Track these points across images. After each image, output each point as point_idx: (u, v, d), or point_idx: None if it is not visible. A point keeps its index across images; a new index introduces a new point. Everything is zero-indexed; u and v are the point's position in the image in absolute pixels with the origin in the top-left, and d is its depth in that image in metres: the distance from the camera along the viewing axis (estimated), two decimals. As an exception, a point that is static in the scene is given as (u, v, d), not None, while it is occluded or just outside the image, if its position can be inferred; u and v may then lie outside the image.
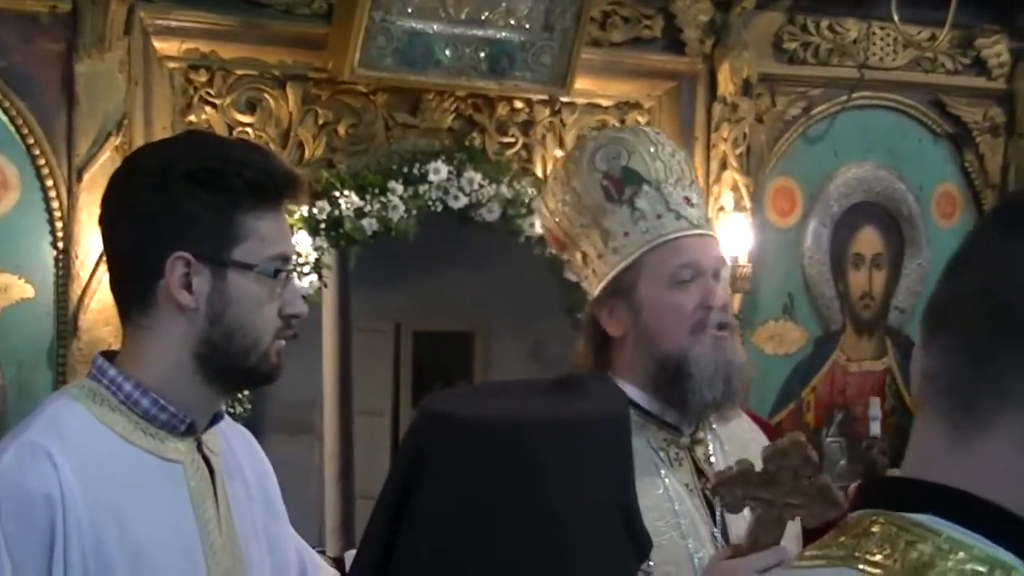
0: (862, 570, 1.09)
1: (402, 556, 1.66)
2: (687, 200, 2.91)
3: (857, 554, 1.11)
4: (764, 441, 3.00)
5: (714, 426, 2.94)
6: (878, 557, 1.09)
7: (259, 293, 2.28)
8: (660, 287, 2.82)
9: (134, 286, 2.30)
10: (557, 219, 3.00)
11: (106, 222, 2.34)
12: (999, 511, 1.09)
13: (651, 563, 2.46)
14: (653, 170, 2.91)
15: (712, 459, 2.90)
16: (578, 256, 2.98)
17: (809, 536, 2.82)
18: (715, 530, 2.81)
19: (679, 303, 2.81)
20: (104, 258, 2.41)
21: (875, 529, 1.12)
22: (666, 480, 2.81)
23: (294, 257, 2.39)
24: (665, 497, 2.78)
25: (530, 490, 1.62)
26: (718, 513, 2.82)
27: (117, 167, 2.44)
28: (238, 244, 2.25)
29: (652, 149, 2.94)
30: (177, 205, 2.23)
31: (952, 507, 1.10)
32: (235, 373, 2.32)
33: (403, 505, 1.66)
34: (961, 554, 1.08)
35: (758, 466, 2.57)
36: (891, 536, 1.10)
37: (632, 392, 2.81)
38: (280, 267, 2.30)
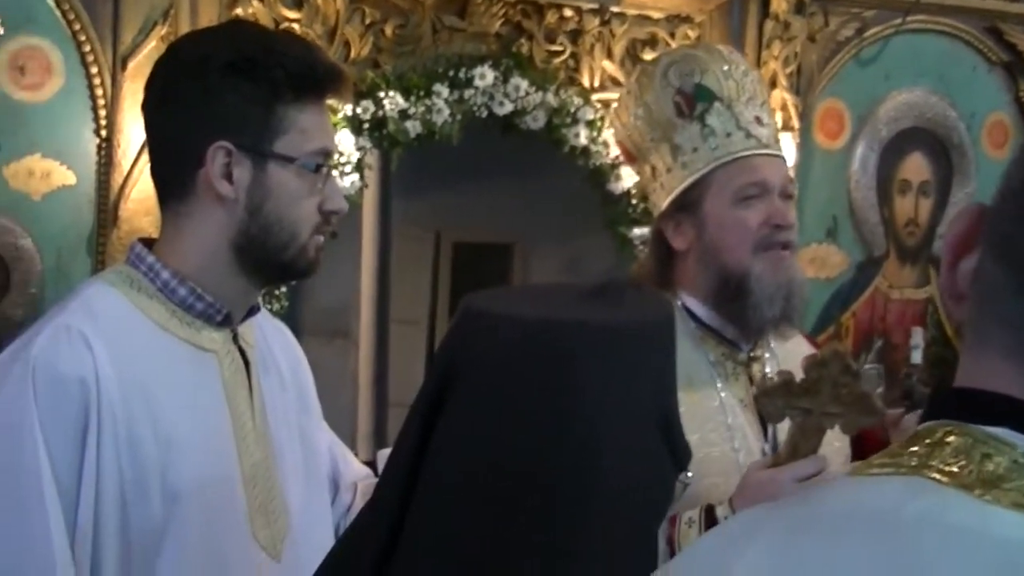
0: (935, 479, 1.07)
1: (436, 451, 1.65)
2: (758, 119, 2.95)
3: (931, 463, 1.08)
4: None
5: (772, 344, 2.98)
6: (953, 468, 1.07)
7: (299, 187, 2.28)
8: (726, 203, 2.87)
9: (174, 173, 2.30)
10: (629, 132, 3.06)
11: (148, 109, 2.35)
12: None
13: (689, 474, 2.44)
14: (725, 88, 2.95)
15: (768, 376, 2.92)
16: (647, 169, 3.03)
17: (858, 451, 2.86)
18: (766, 445, 2.87)
19: (744, 219, 2.85)
20: (145, 146, 2.41)
21: (950, 439, 1.09)
22: (722, 394, 2.87)
23: (336, 154, 2.38)
24: (720, 410, 2.85)
25: (563, 390, 1.60)
26: (770, 429, 2.88)
27: (161, 54, 2.43)
28: (279, 136, 2.26)
29: (725, 68, 2.99)
30: (218, 94, 2.23)
31: None
32: (272, 266, 2.33)
33: (440, 401, 1.65)
34: None
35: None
36: (966, 447, 1.08)
37: (694, 306, 2.93)
38: (321, 162, 2.30)
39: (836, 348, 2.62)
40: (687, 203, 2.91)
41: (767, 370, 2.94)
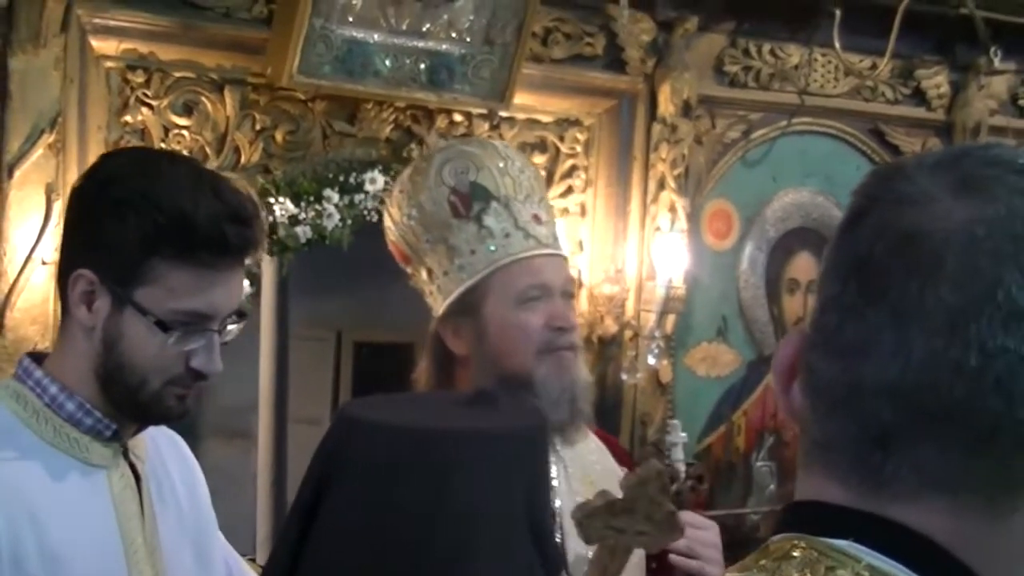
0: None
1: (309, 558, 1.66)
2: (536, 218, 2.90)
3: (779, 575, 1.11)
4: (609, 460, 3.00)
5: (559, 449, 2.89)
6: None
7: (149, 340, 2.24)
8: (507, 307, 2.81)
9: (60, 288, 2.30)
10: (402, 232, 2.96)
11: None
12: (922, 539, 1.10)
13: None
14: (502, 186, 2.89)
15: (555, 482, 2.86)
16: (423, 271, 2.94)
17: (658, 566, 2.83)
18: None
19: (526, 323, 2.80)
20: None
21: (796, 553, 1.12)
22: None
23: (221, 314, 2.28)
24: None
25: (435, 496, 1.63)
26: (558, 539, 2.79)
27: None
28: (143, 286, 2.22)
29: (501, 164, 2.92)
30: (100, 225, 2.23)
31: (872, 534, 1.10)
32: (128, 405, 2.30)
33: (315, 508, 1.67)
34: None
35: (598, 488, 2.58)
36: (811, 560, 1.11)
37: None
38: (184, 321, 2.23)
39: (655, 466, 2.58)
40: (466, 306, 2.85)
41: (552, 474, 2.84)
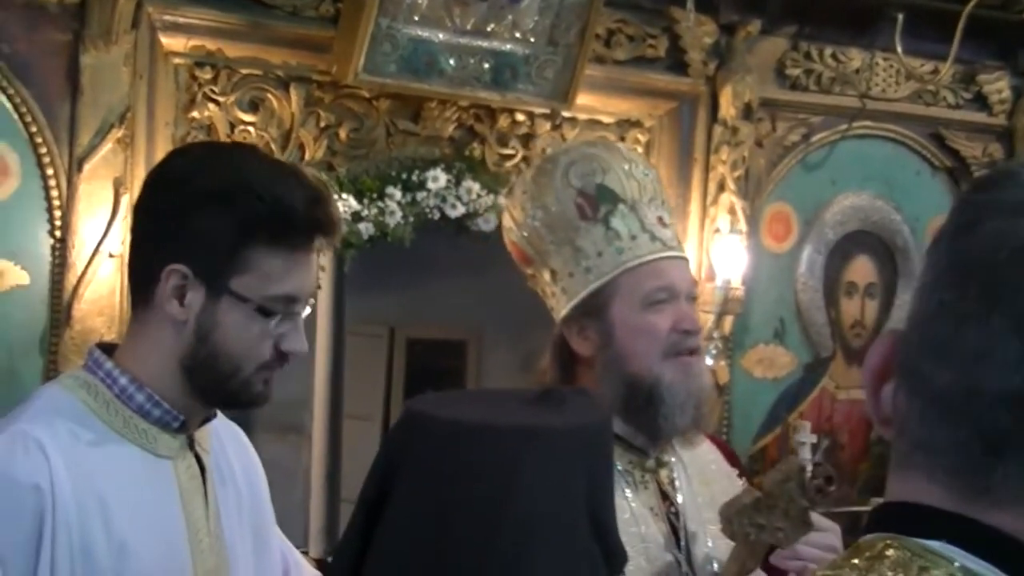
0: None
1: (375, 555, 1.68)
2: (660, 220, 2.86)
3: (871, 575, 1.12)
4: (723, 463, 2.99)
5: (678, 449, 2.89)
6: None
7: (248, 327, 2.27)
8: (634, 309, 2.77)
9: (138, 282, 2.32)
10: (526, 233, 2.91)
11: (133, 214, 2.39)
12: (1013, 542, 1.10)
13: None
14: (628, 189, 2.86)
15: (676, 483, 2.86)
16: (546, 273, 2.89)
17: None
18: (679, 555, 2.77)
19: (653, 325, 2.76)
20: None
21: (889, 553, 1.13)
22: (632, 504, 2.76)
23: (307, 297, 2.33)
24: (631, 521, 2.73)
25: (498, 493, 1.64)
26: (682, 538, 2.79)
27: (157, 164, 2.47)
28: (239, 274, 2.25)
29: (626, 167, 2.89)
30: (190, 220, 2.24)
31: (966, 536, 1.11)
32: (216, 393, 2.33)
33: (380, 504, 1.69)
34: None
35: (711, 494, 2.59)
36: (905, 561, 1.11)
37: None
38: (279, 308, 2.27)
39: (797, 463, 2.61)
40: (592, 308, 2.79)
41: (674, 475, 2.86)
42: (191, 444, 2.35)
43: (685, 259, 2.93)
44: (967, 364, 1.11)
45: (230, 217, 2.23)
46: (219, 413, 2.46)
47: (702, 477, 2.87)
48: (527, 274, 3.01)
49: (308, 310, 2.35)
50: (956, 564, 1.10)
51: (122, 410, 2.26)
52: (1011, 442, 1.10)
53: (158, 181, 2.36)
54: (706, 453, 2.96)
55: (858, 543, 1.19)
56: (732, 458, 3.08)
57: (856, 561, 1.15)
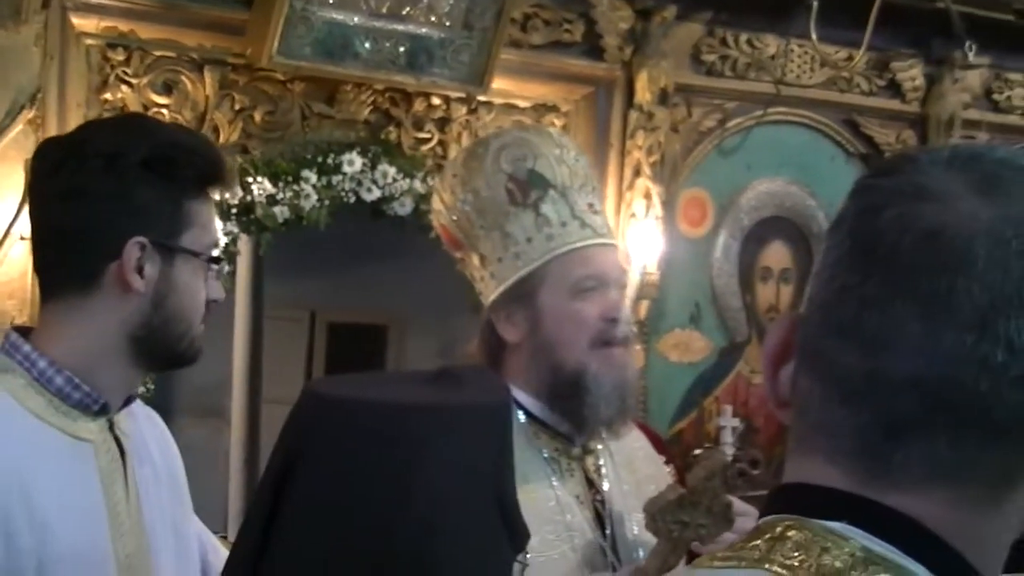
0: (776, 572, 1.12)
1: (279, 536, 1.68)
2: (591, 207, 2.86)
3: (772, 556, 1.13)
4: (650, 450, 3.00)
5: (604, 436, 2.87)
6: (793, 562, 1.12)
7: (197, 282, 2.33)
8: (563, 296, 2.76)
9: (79, 266, 2.30)
10: (455, 217, 2.90)
11: (48, 199, 2.34)
12: (912, 523, 1.12)
13: (528, 555, 2.37)
14: (559, 174, 2.84)
15: (603, 470, 2.86)
16: (475, 257, 2.89)
17: None
18: (604, 543, 2.78)
19: (581, 313, 2.75)
20: (33, 233, 2.39)
21: (790, 534, 1.15)
22: (558, 492, 2.76)
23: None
24: (557, 509, 2.74)
25: (402, 471, 1.65)
26: (608, 527, 2.80)
27: (53, 143, 2.45)
28: (186, 231, 2.30)
29: (557, 152, 2.87)
30: (133, 191, 2.26)
31: (866, 517, 1.13)
32: (165, 356, 2.36)
33: (283, 485, 1.69)
34: (873, 564, 1.11)
35: (636, 480, 2.60)
36: (806, 542, 1.13)
37: (525, 400, 2.80)
38: (215, 254, 2.37)
39: (720, 459, 2.63)
40: (520, 294, 2.79)
41: (600, 463, 2.86)
42: (111, 427, 2.35)
43: (615, 246, 2.92)
44: (869, 347, 1.13)
45: (166, 179, 2.28)
46: (137, 399, 2.47)
47: (628, 464, 2.88)
48: (456, 258, 2.99)
49: None
50: (857, 544, 1.12)
51: (42, 393, 2.26)
52: (912, 426, 1.12)
53: (81, 163, 2.34)
54: (633, 440, 2.96)
55: (758, 525, 1.20)
56: (659, 444, 3.08)
57: (757, 542, 1.17)
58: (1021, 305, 1.08)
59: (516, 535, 1.80)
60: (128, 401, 2.40)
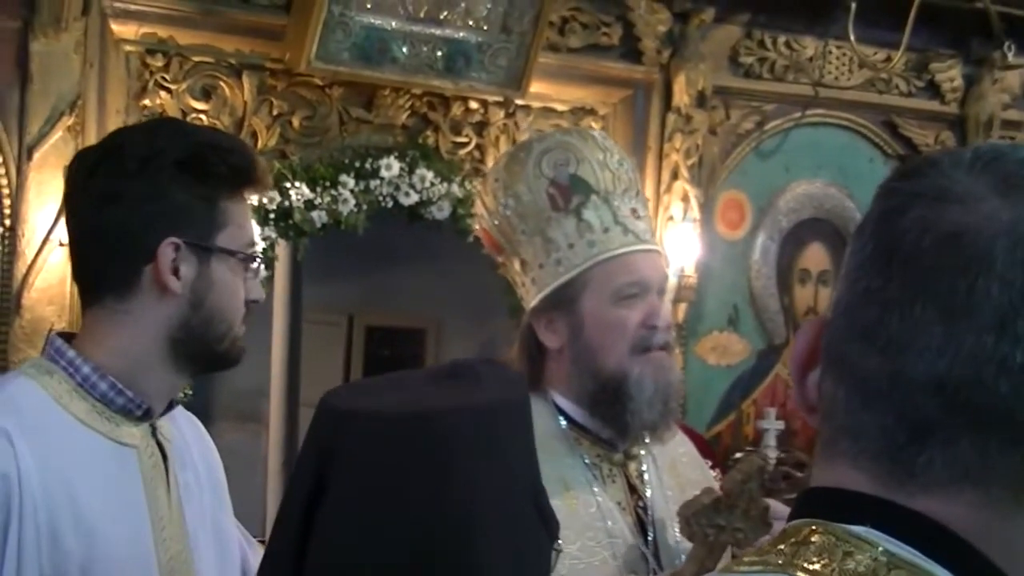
0: None
1: (316, 556, 1.67)
2: (634, 212, 2.82)
3: (796, 561, 1.13)
4: (695, 454, 2.97)
5: (647, 441, 2.84)
6: (816, 566, 1.11)
7: (234, 279, 2.32)
8: (604, 303, 2.72)
9: (117, 269, 2.30)
10: (496, 222, 2.87)
11: (85, 204, 2.33)
12: (936, 526, 1.11)
13: (560, 542, 2.40)
14: (602, 180, 2.81)
15: (646, 476, 2.83)
16: (516, 263, 2.86)
17: None
18: (646, 550, 2.75)
19: (623, 320, 2.72)
20: (71, 239, 2.40)
21: (814, 539, 1.14)
22: (599, 498, 2.73)
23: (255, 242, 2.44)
24: (598, 516, 2.71)
25: (440, 480, 1.63)
26: (650, 533, 2.77)
27: (90, 149, 2.44)
28: (221, 230, 2.29)
29: (600, 157, 2.84)
30: (168, 192, 2.26)
31: (890, 521, 1.12)
32: (207, 357, 2.35)
33: (313, 505, 1.67)
34: (896, 568, 1.10)
35: (681, 485, 2.59)
36: (829, 546, 1.12)
37: (567, 406, 2.78)
38: (254, 253, 2.36)
39: (756, 462, 2.61)
40: (561, 300, 2.75)
41: (643, 469, 2.83)
42: (154, 432, 2.36)
43: (658, 252, 2.87)
44: (892, 350, 1.12)
45: (202, 179, 2.28)
46: (179, 405, 2.48)
47: (672, 469, 2.85)
48: (498, 262, 2.96)
49: None
50: (880, 549, 1.11)
51: (86, 398, 2.26)
52: (935, 428, 1.11)
53: (117, 167, 2.35)
54: (677, 445, 2.94)
55: (785, 529, 1.19)
56: (705, 448, 3.06)
57: (782, 547, 1.16)
58: None
59: (550, 523, 1.79)
60: (170, 406, 2.41)
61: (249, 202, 2.40)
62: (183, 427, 2.50)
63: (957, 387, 1.09)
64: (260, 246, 4.95)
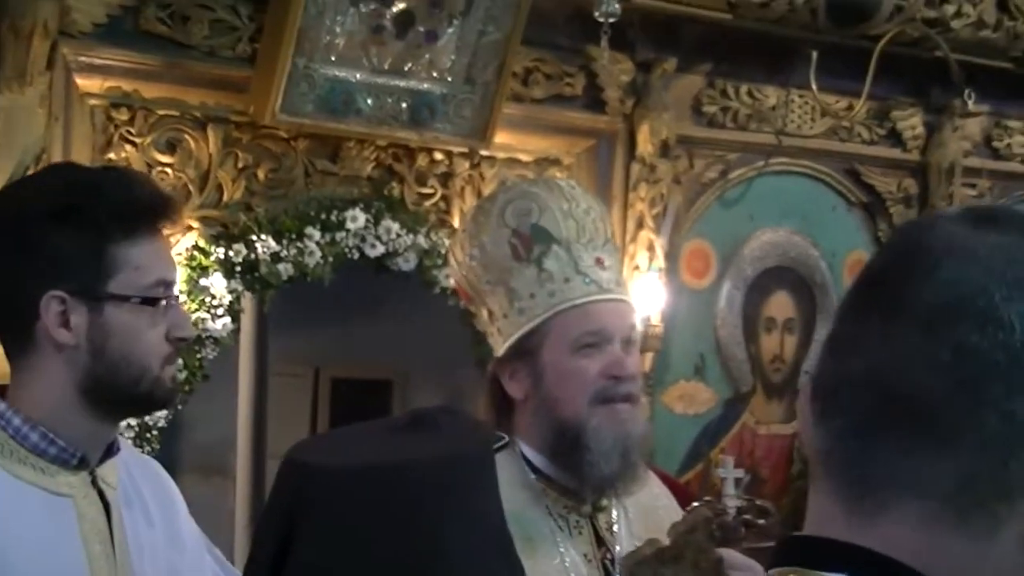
0: None
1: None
2: (599, 261, 2.81)
3: None
4: (674, 505, 2.93)
5: (611, 494, 2.83)
6: None
7: (138, 322, 2.28)
8: (564, 353, 2.73)
9: (9, 328, 2.30)
10: (464, 272, 2.89)
11: None
12: (885, 560, 1.13)
13: None
14: (564, 228, 2.80)
15: (615, 528, 2.82)
16: (484, 312, 2.87)
17: None
18: None
19: (581, 370, 2.71)
20: None
21: None
22: (562, 549, 2.73)
23: (176, 280, 2.38)
24: (560, 568, 2.70)
25: (404, 531, 1.63)
26: None
27: None
28: (112, 276, 2.26)
29: (565, 206, 2.83)
30: (44, 245, 2.24)
31: (863, 566, 1.13)
32: (126, 402, 2.34)
33: (280, 561, 1.66)
34: None
35: (660, 536, 2.56)
36: None
37: (533, 456, 2.78)
38: (159, 294, 2.30)
39: (703, 513, 2.59)
40: (524, 350, 2.76)
41: (613, 520, 2.82)
42: (93, 480, 2.34)
43: (624, 301, 2.87)
44: (842, 352, 1.17)
45: (81, 227, 2.24)
46: (127, 446, 2.46)
47: (646, 521, 2.83)
48: (471, 312, 3.01)
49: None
50: None
51: (17, 450, 2.25)
52: (873, 426, 1.14)
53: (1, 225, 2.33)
54: (654, 498, 2.93)
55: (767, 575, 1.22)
56: (685, 496, 3.04)
57: None
58: (975, 312, 1.11)
59: (516, 571, 1.79)
60: (111, 451, 2.39)
61: (160, 238, 2.34)
62: (132, 469, 2.47)
63: (888, 382, 1.13)
64: (218, 298, 4.94)
